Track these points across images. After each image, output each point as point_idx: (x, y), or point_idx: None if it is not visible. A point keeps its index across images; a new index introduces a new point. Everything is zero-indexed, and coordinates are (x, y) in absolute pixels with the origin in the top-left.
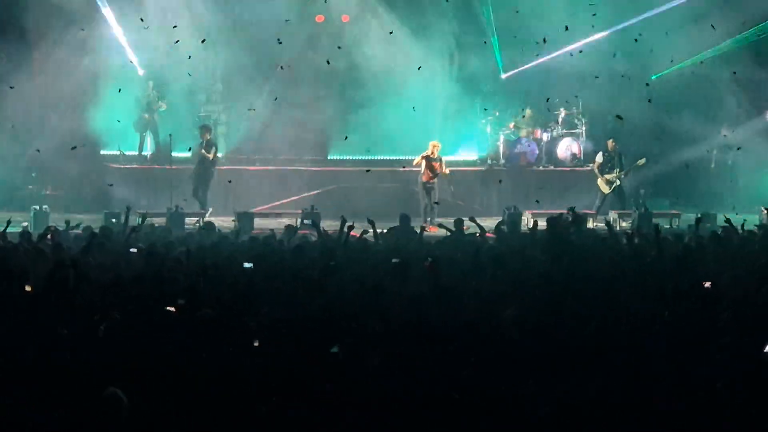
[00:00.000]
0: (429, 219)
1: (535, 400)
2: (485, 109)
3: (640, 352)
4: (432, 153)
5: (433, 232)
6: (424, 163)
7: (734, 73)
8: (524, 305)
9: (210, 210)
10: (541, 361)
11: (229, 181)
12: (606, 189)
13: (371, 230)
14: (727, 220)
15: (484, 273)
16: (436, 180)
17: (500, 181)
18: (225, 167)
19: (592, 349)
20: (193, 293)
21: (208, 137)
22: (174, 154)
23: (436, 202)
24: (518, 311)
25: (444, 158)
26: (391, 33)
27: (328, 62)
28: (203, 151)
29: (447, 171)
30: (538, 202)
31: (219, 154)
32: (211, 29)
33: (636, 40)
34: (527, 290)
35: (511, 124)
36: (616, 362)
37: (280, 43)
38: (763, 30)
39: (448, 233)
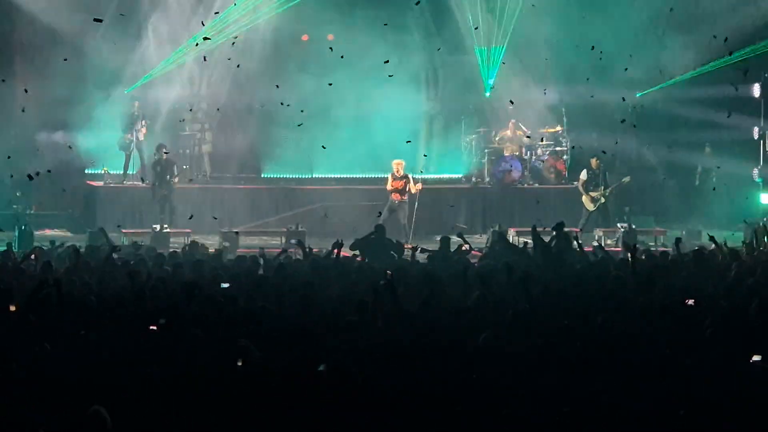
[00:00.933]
0: (406, 239)
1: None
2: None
3: (627, 362)
4: (397, 172)
5: (407, 249)
6: (391, 183)
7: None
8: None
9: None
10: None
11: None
12: (591, 206)
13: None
14: (711, 238)
15: (473, 290)
16: (405, 198)
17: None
18: (209, 186)
19: (582, 358)
20: (175, 311)
21: (165, 155)
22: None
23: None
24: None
25: (411, 176)
26: (386, 62)
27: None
28: (173, 169)
29: (418, 187)
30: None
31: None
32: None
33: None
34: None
35: (495, 142)
36: (604, 371)
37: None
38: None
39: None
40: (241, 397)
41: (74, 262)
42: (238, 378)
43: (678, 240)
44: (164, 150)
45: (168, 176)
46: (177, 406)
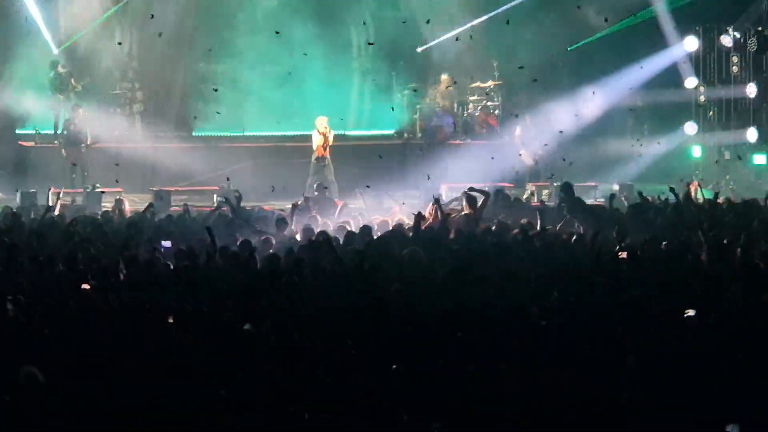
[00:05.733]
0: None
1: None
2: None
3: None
4: (320, 128)
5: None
6: (316, 139)
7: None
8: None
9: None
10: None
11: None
12: (530, 161)
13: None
14: (640, 194)
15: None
16: (328, 153)
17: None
18: (141, 145)
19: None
20: (106, 273)
21: (81, 114)
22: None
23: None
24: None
25: (332, 132)
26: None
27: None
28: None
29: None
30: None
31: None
32: (128, 6)
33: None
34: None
35: (427, 98)
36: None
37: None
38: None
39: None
40: (173, 361)
41: (9, 224)
42: (170, 342)
43: (612, 196)
44: (80, 110)
45: (80, 139)
46: (110, 367)
